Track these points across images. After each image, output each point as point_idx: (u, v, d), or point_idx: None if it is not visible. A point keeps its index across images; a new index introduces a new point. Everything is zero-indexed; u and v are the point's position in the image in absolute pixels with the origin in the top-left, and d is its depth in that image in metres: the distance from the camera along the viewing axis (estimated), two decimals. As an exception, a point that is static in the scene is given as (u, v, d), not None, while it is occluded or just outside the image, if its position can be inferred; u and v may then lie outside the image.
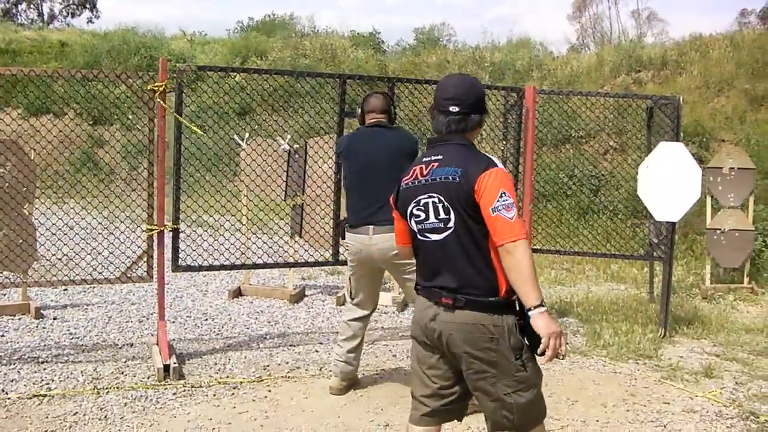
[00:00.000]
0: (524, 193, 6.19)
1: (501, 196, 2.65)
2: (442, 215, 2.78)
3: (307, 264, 6.28)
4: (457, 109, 2.84)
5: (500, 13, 59.01)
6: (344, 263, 5.04)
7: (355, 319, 4.65)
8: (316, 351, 5.61)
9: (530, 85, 6.60)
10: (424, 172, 2.84)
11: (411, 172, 2.91)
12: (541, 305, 2.62)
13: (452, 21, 63.24)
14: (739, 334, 6.37)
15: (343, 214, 5.28)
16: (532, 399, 2.80)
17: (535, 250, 6.14)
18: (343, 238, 4.63)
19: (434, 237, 2.81)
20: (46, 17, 35.12)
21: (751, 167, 8.07)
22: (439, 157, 2.83)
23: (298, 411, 4.43)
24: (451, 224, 2.76)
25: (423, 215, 2.84)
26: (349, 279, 4.66)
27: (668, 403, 4.71)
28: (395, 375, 5.11)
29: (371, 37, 19.18)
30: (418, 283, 2.97)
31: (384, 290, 7.04)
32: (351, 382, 4.77)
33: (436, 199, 2.79)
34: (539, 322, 2.61)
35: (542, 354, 2.64)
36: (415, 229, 2.89)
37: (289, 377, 5.01)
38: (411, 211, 2.88)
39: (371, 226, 4.34)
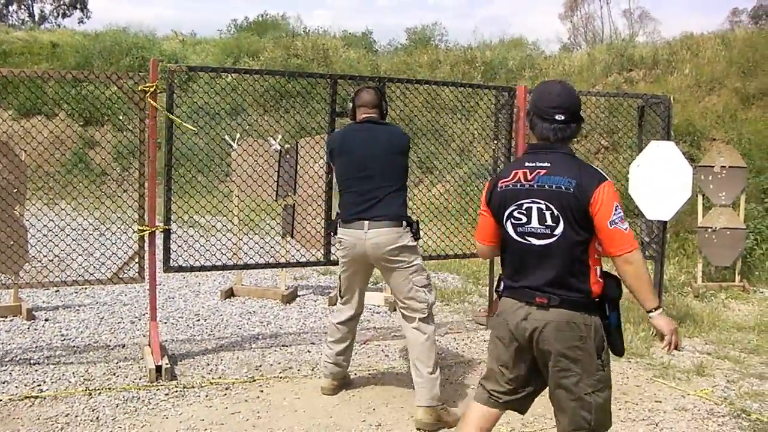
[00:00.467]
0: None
1: (615, 210, 2.83)
2: (549, 222, 2.86)
3: (298, 264, 6.26)
4: (563, 117, 2.92)
5: (492, 13, 59.15)
6: (335, 263, 5.02)
7: (342, 322, 4.61)
8: (308, 351, 5.61)
9: (522, 85, 6.61)
10: (528, 177, 2.91)
11: (512, 175, 2.96)
12: (659, 306, 2.93)
13: (444, 21, 63.25)
14: (730, 332, 6.39)
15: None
16: (608, 400, 2.96)
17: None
18: (335, 235, 4.58)
19: (535, 241, 2.90)
20: (36, 18, 35.01)
21: (742, 165, 8.10)
22: (546, 164, 2.90)
23: (290, 411, 4.43)
24: (557, 231, 2.85)
25: (524, 219, 2.92)
26: (339, 277, 4.63)
27: (660, 402, 4.72)
28: (387, 375, 5.11)
29: (363, 37, 19.18)
30: (504, 283, 3.05)
31: (377, 290, 7.04)
32: (342, 382, 4.76)
33: (542, 206, 2.87)
34: (661, 321, 2.93)
35: (615, 351, 3.01)
36: (512, 232, 2.96)
37: (281, 377, 5.01)
38: (511, 213, 2.95)
39: (366, 221, 4.29)
